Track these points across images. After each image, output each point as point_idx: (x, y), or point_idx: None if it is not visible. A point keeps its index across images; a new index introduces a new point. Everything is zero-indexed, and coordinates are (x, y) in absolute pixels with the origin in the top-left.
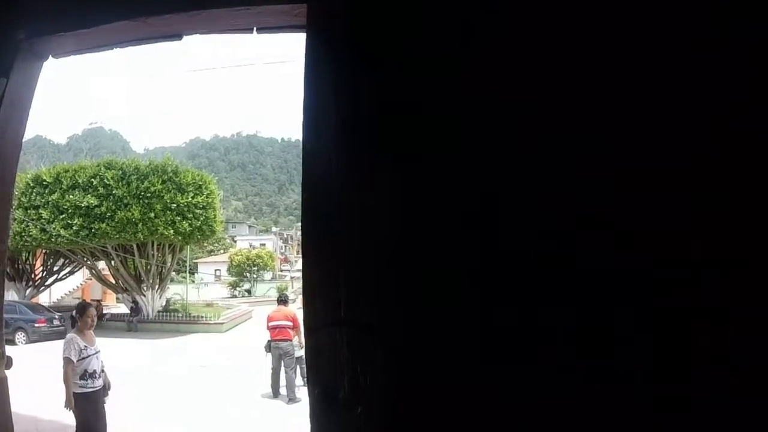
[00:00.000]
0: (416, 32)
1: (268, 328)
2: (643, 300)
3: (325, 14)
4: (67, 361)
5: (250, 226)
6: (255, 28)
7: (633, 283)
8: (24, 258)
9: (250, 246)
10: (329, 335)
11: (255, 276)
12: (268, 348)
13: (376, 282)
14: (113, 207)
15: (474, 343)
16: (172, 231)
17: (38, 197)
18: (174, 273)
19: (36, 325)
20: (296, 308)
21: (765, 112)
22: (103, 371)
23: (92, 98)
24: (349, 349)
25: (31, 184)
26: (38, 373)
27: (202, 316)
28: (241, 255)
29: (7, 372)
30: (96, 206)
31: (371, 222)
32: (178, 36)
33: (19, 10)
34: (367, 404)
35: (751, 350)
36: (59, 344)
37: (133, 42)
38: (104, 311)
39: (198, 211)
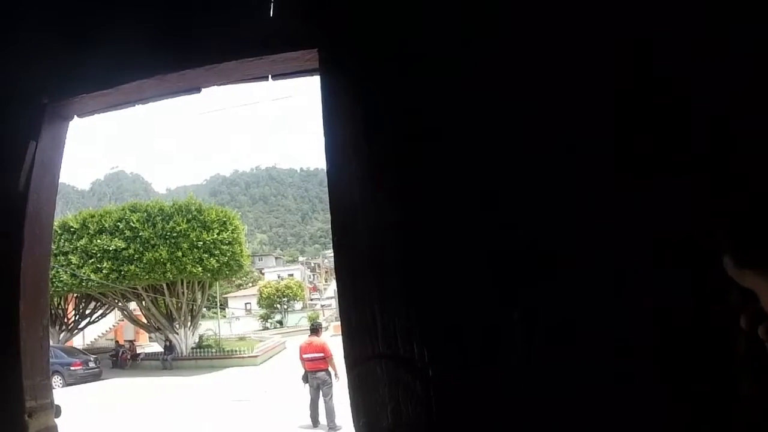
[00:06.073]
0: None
1: (302, 359)
2: (644, 300)
3: (336, 57)
4: None
5: (276, 258)
6: (270, 76)
7: (633, 283)
8: (56, 303)
9: (278, 277)
10: (369, 369)
11: (285, 307)
12: (306, 379)
13: (410, 315)
14: (141, 249)
15: (513, 373)
16: (200, 268)
17: (66, 243)
18: (205, 309)
19: (72, 368)
20: (329, 336)
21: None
22: None
23: (112, 144)
24: (390, 382)
25: (59, 231)
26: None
27: (235, 351)
28: (270, 287)
29: (57, 421)
30: (124, 249)
31: (398, 254)
32: (196, 89)
33: (43, 76)
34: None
35: (753, 350)
36: (96, 386)
37: (153, 98)
38: (138, 351)
39: (224, 247)
